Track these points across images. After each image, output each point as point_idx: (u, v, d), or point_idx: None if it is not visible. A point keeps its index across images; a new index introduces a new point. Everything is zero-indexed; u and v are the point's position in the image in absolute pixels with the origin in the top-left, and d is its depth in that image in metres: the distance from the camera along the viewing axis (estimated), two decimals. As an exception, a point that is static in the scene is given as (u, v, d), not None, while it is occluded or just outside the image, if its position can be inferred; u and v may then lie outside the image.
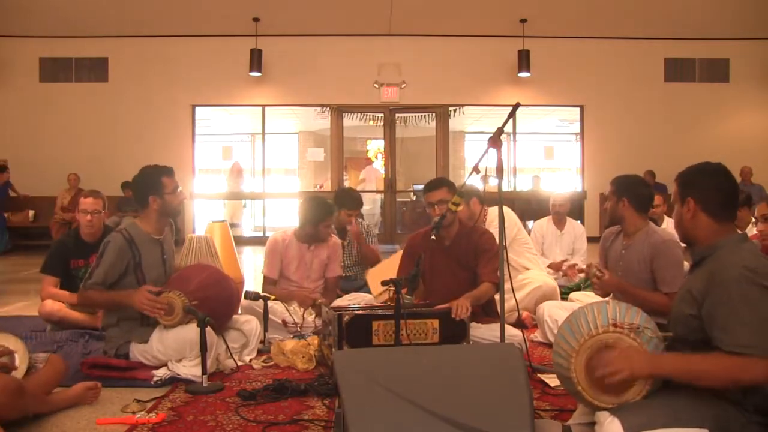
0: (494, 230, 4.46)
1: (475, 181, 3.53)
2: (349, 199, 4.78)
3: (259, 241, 11.17)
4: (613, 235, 3.43)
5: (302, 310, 3.92)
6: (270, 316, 3.74)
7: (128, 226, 3.26)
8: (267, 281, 4.17)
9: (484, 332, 3.45)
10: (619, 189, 3.28)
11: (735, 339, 1.79)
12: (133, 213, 9.34)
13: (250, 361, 3.39)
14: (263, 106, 11.45)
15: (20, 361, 2.57)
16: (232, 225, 11.73)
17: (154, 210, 3.26)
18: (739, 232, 2.06)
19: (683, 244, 2.19)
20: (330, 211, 4.17)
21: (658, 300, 3.05)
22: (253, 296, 3.77)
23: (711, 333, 1.85)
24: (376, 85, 11.14)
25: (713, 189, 2.01)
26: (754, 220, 3.62)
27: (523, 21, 10.67)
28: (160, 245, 3.32)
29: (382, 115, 11.31)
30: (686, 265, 3.02)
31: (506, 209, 4.72)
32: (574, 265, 5.37)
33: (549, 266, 5.44)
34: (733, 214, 2.05)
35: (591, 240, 5.96)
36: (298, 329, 3.77)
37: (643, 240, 3.22)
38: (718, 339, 1.82)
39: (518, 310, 3.59)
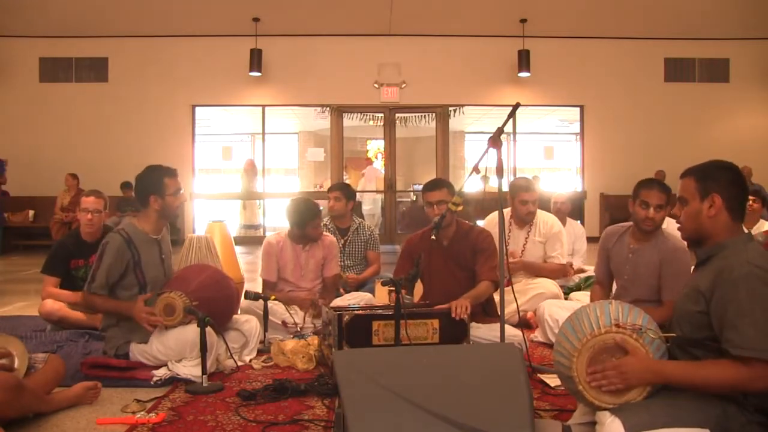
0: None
1: (475, 182, 3.54)
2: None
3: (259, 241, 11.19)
4: (617, 236, 3.32)
5: (303, 312, 3.91)
6: (270, 316, 3.74)
7: (126, 226, 3.26)
8: (266, 285, 4.16)
9: (484, 332, 3.45)
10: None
11: (744, 340, 1.77)
12: (132, 213, 9.31)
13: (250, 361, 3.39)
14: (263, 106, 11.45)
15: (19, 362, 2.56)
16: (254, 227, 11.71)
17: (154, 210, 3.27)
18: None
19: (684, 241, 2.17)
20: (314, 212, 4.10)
21: (658, 312, 2.84)
22: (253, 296, 3.77)
23: (720, 332, 1.85)
24: (376, 85, 11.13)
25: (735, 187, 1.99)
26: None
27: (523, 21, 10.68)
28: (158, 245, 3.32)
29: (382, 115, 11.31)
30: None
31: (549, 215, 4.75)
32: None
33: None
34: (744, 214, 2.05)
35: (591, 240, 5.96)
36: (298, 329, 3.77)
37: (653, 246, 3.15)
38: (727, 339, 1.81)
39: (518, 312, 3.58)
